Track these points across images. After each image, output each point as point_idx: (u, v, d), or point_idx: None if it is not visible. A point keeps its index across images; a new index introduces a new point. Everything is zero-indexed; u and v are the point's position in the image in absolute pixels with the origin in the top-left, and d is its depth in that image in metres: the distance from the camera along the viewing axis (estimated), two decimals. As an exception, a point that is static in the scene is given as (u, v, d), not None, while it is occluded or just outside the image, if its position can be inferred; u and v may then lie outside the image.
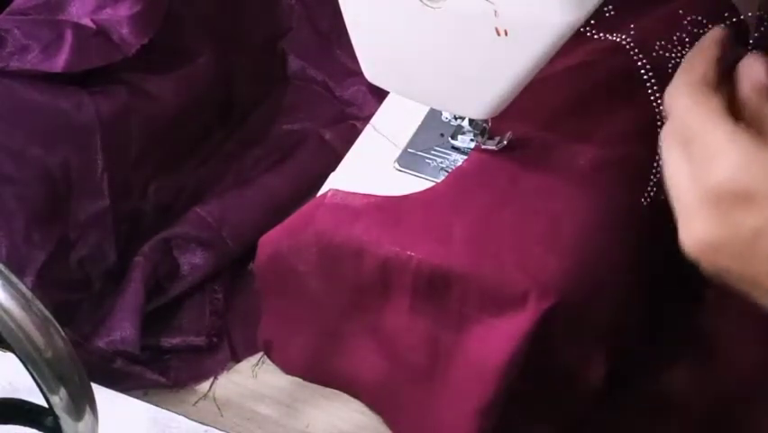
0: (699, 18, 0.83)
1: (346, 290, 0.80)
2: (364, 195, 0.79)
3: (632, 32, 0.82)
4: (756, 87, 0.56)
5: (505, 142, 0.80)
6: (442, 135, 0.86)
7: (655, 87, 0.80)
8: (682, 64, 0.57)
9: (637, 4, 0.83)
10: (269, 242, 0.82)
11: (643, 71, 0.81)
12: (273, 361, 0.89)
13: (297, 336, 0.86)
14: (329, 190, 0.80)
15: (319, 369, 0.87)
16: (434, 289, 0.75)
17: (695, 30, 0.82)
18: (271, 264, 0.83)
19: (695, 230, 0.54)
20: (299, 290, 0.82)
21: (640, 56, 0.81)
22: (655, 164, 0.80)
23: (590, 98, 0.81)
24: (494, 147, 0.80)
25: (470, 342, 0.75)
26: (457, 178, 0.79)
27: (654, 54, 0.81)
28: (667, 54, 0.81)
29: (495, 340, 0.73)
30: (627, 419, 0.82)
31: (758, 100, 0.56)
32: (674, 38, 0.82)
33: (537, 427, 0.81)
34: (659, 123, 0.80)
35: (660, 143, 0.57)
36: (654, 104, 0.80)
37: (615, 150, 0.79)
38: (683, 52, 0.82)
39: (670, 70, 0.81)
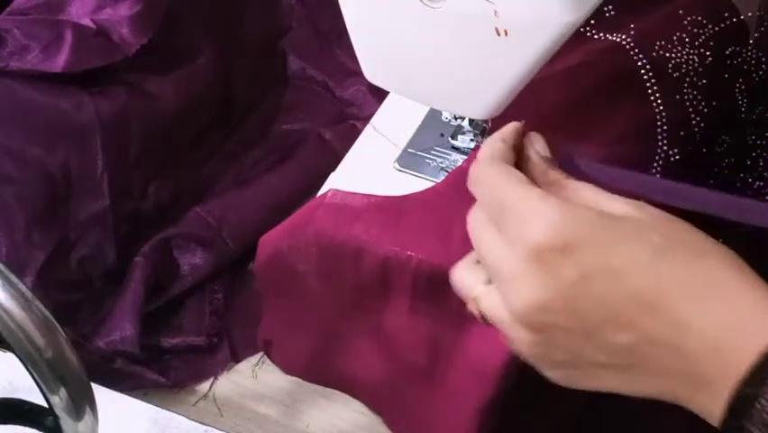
0: (699, 18, 0.83)
1: (346, 290, 0.80)
2: (364, 195, 0.79)
3: (632, 32, 0.82)
4: (542, 157, 0.61)
5: None
6: (442, 135, 0.86)
7: (655, 87, 0.80)
8: (480, 150, 0.61)
9: (637, 4, 0.83)
10: (269, 242, 0.82)
11: (643, 71, 0.81)
12: (273, 361, 0.89)
13: (297, 336, 0.86)
14: (329, 190, 0.80)
15: (319, 369, 0.87)
16: (434, 289, 0.75)
17: (695, 30, 0.82)
18: (271, 264, 0.82)
19: (522, 294, 0.56)
20: (299, 289, 0.82)
21: (640, 56, 0.81)
22: (655, 164, 0.80)
23: (590, 98, 0.81)
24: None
25: (470, 342, 0.75)
26: (457, 177, 0.79)
27: (654, 54, 0.81)
28: (667, 54, 0.81)
29: (495, 340, 0.72)
30: (627, 418, 0.82)
31: (545, 167, 0.61)
32: (674, 38, 0.82)
33: (537, 426, 0.81)
34: (659, 123, 0.80)
35: (470, 232, 0.59)
36: (654, 104, 0.80)
37: (615, 149, 0.79)
38: (683, 52, 0.82)
39: (670, 70, 0.81)
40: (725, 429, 0.54)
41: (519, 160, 0.62)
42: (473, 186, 0.61)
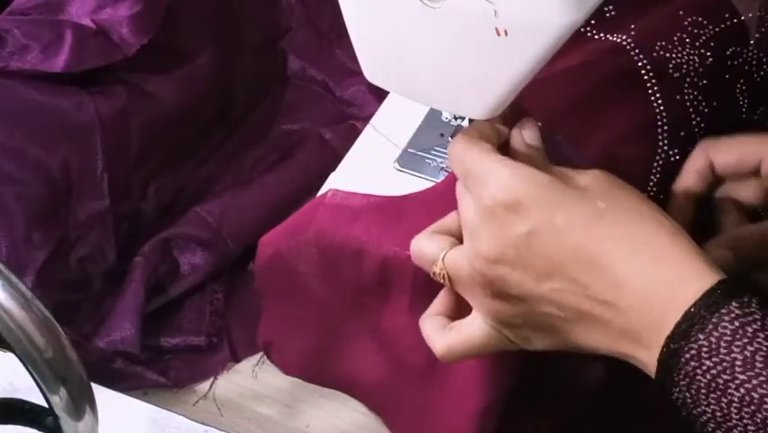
0: (700, 19, 0.83)
1: (346, 291, 0.80)
2: (364, 195, 0.79)
3: (632, 33, 0.82)
4: (528, 145, 0.67)
5: None
6: (442, 135, 0.86)
7: (656, 88, 0.80)
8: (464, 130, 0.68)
9: (638, 4, 0.83)
10: (269, 242, 0.82)
11: (643, 72, 0.81)
12: (273, 361, 0.89)
13: (297, 336, 0.86)
14: (329, 190, 0.80)
15: (319, 370, 0.87)
16: (434, 289, 0.75)
17: (695, 30, 0.82)
18: (271, 265, 0.82)
19: (479, 247, 0.62)
20: (299, 290, 0.82)
21: (640, 56, 0.81)
22: (655, 164, 0.80)
23: (590, 98, 0.81)
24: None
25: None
26: (457, 178, 0.79)
27: (655, 54, 0.81)
28: (667, 55, 0.81)
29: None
30: (628, 418, 0.82)
31: (528, 148, 0.67)
32: (675, 38, 0.82)
33: (538, 427, 0.81)
34: (659, 123, 0.80)
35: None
36: (655, 104, 0.80)
37: (614, 149, 0.79)
38: (684, 53, 0.82)
39: (670, 71, 0.81)
40: (659, 383, 0.58)
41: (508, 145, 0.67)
42: (450, 162, 0.67)
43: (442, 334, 0.68)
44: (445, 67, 0.73)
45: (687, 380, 0.57)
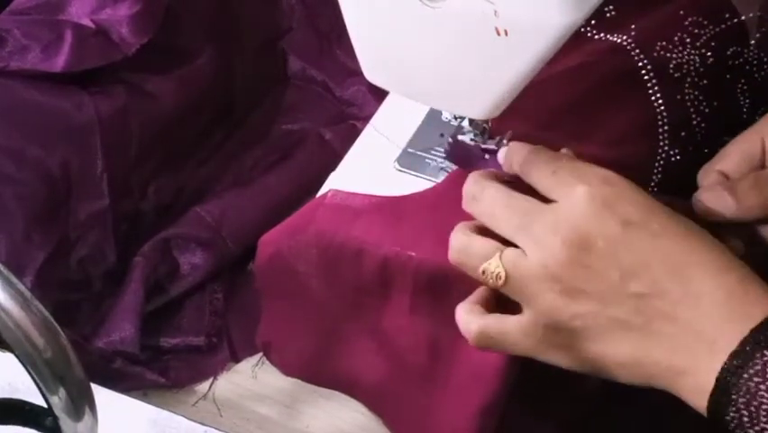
0: (700, 19, 0.82)
1: (346, 291, 0.80)
2: (364, 195, 0.79)
3: (632, 33, 0.82)
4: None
5: (505, 142, 0.80)
6: (442, 135, 0.86)
7: (656, 88, 0.80)
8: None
9: (638, 4, 0.83)
10: (269, 242, 0.82)
11: (644, 72, 0.81)
12: (272, 362, 0.89)
13: (297, 337, 0.86)
14: (329, 191, 0.80)
15: (319, 370, 0.87)
16: (435, 289, 0.75)
17: (696, 30, 0.82)
18: (271, 265, 0.82)
19: (566, 235, 0.63)
20: (299, 290, 0.82)
21: (641, 56, 0.81)
22: (656, 164, 0.79)
23: (590, 98, 0.81)
24: (494, 147, 0.80)
25: (471, 342, 0.75)
26: (458, 178, 0.79)
27: (655, 54, 0.81)
28: (668, 55, 0.81)
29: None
30: (630, 420, 0.82)
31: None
32: (675, 38, 0.82)
33: (538, 427, 0.81)
34: (659, 123, 0.80)
35: None
36: (655, 104, 0.80)
37: (615, 150, 0.79)
38: (684, 53, 0.82)
39: (671, 71, 0.81)
40: (711, 404, 0.59)
41: None
42: (533, 158, 0.68)
43: (479, 316, 0.67)
44: (445, 67, 0.73)
45: (747, 397, 0.57)
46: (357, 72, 0.82)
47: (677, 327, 0.61)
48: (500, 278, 0.65)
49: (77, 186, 0.94)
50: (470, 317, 0.68)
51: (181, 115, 1.02)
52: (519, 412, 0.78)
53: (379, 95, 0.94)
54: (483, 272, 0.66)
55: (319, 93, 1.11)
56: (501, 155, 0.73)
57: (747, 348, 0.58)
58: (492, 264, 0.66)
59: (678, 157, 0.79)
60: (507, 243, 0.66)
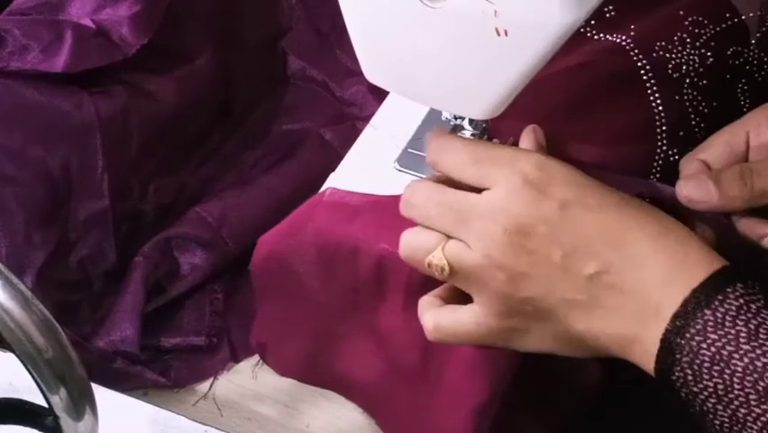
0: (700, 19, 0.83)
1: (342, 289, 0.80)
2: (363, 193, 0.79)
3: (632, 33, 0.82)
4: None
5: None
6: (442, 135, 0.86)
7: (655, 88, 0.80)
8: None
9: (638, 4, 0.83)
10: (267, 241, 0.82)
11: (642, 72, 0.81)
12: (268, 363, 0.89)
13: (292, 336, 0.86)
14: (327, 189, 0.80)
15: (314, 370, 0.87)
16: (429, 288, 0.75)
17: (696, 30, 0.82)
18: (268, 264, 0.82)
19: (505, 224, 0.64)
20: (296, 289, 0.82)
21: (640, 56, 0.81)
22: (655, 164, 0.80)
23: (590, 98, 0.81)
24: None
25: (465, 341, 0.75)
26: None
27: (655, 55, 0.81)
28: (667, 55, 0.81)
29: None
30: (623, 419, 0.82)
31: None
32: (675, 38, 0.82)
33: (535, 428, 0.81)
34: (659, 123, 0.80)
35: None
36: (654, 104, 0.80)
37: (615, 150, 0.79)
38: (684, 53, 0.82)
39: (670, 71, 0.81)
40: (658, 367, 0.60)
41: None
42: (451, 152, 0.69)
43: (434, 310, 0.68)
44: (445, 67, 0.73)
45: (690, 356, 0.59)
46: (357, 72, 0.82)
47: (624, 297, 0.62)
48: (444, 270, 0.66)
49: (78, 186, 0.93)
50: (426, 312, 0.69)
51: (181, 115, 1.02)
52: (515, 413, 0.78)
53: (379, 95, 0.94)
54: (429, 265, 0.67)
55: (319, 93, 1.11)
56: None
57: (688, 308, 0.59)
58: (435, 257, 0.67)
59: (676, 157, 0.79)
60: None
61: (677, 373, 0.59)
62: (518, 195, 0.64)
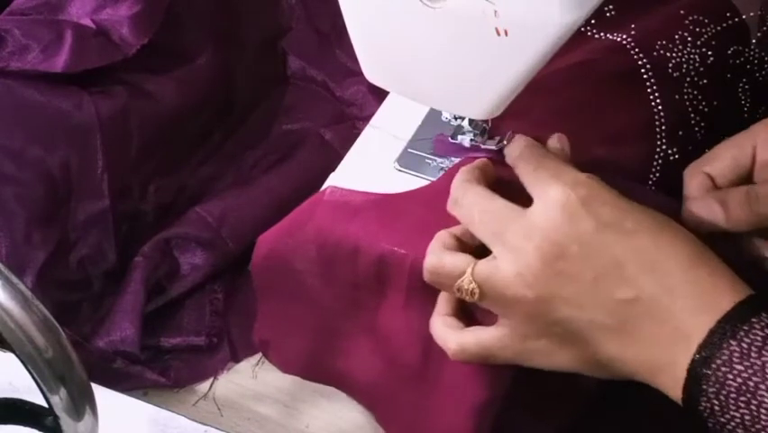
0: (701, 18, 0.83)
1: (343, 288, 0.80)
2: (363, 192, 0.79)
3: (633, 32, 0.82)
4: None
5: (505, 143, 0.80)
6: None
7: (655, 87, 0.80)
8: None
9: (638, 3, 0.83)
10: (266, 240, 0.82)
11: (643, 71, 0.81)
12: (270, 360, 0.89)
13: (294, 334, 0.86)
14: (328, 187, 0.80)
15: (316, 368, 0.87)
16: (429, 287, 0.75)
17: (696, 29, 0.82)
18: (268, 262, 0.82)
19: (539, 243, 0.64)
20: (296, 287, 0.82)
21: (640, 55, 0.81)
22: (655, 164, 0.80)
23: (590, 98, 0.81)
24: (494, 147, 0.80)
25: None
26: (454, 175, 0.79)
27: (655, 54, 0.81)
28: (668, 54, 0.81)
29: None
30: (626, 419, 0.82)
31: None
32: (675, 38, 0.82)
33: (535, 427, 0.81)
34: (658, 122, 0.80)
35: None
36: (654, 103, 0.80)
37: (615, 150, 0.79)
38: (684, 52, 0.82)
39: (670, 70, 0.81)
40: (685, 396, 0.60)
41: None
42: (512, 154, 0.70)
43: (456, 332, 0.68)
44: (445, 67, 0.73)
45: (717, 386, 0.58)
46: (357, 72, 0.82)
47: (654, 324, 0.61)
48: (475, 294, 0.66)
49: (78, 186, 0.94)
50: (446, 334, 0.69)
51: (181, 115, 1.02)
52: (516, 413, 0.78)
53: (379, 95, 0.94)
54: (458, 290, 0.67)
55: (319, 93, 1.11)
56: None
57: (715, 339, 0.59)
58: (465, 281, 0.66)
59: (676, 156, 0.79)
60: (486, 250, 0.67)
61: (704, 404, 0.59)
62: (557, 213, 0.63)
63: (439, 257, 0.68)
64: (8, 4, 0.98)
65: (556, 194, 0.64)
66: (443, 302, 0.71)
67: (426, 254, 0.70)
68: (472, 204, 0.67)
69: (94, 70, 0.95)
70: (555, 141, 0.71)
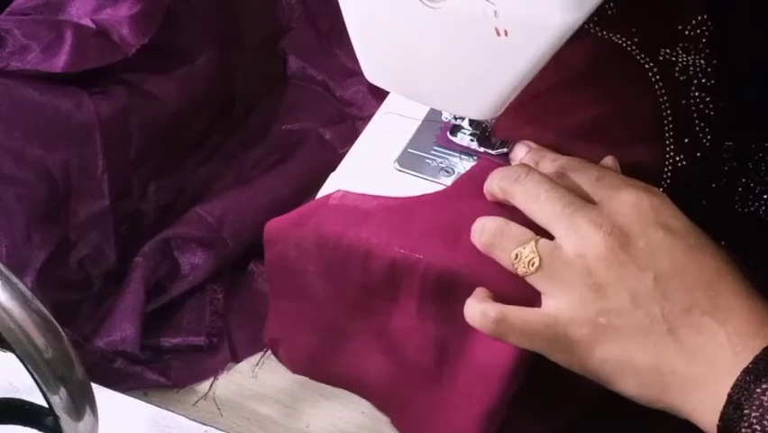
0: (703, 18, 0.82)
1: (354, 292, 0.80)
2: (374, 196, 0.79)
3: (636, 35, 0.82)
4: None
5: (505, 150, 0.80)
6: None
7: (663, 91, 0.80)
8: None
9: (640, 3, 0.83)
10: (275, 234, 0.81)
11: (650, 74, 0.80)
12: (279, 359, 0.89)
13: (305, 335, 0.86)
14: (337, 191, 0.80)
15: (325, 368, 0.87)
16: (442, 292, 0.75)
17: (698, 30, 0.82)
18: (280, 262, 0.82)
19: (607, 230, 0.65)
20: (307, 289, 0.82)
21: (643, 56, 0.81)
22: (665, 168, 0.79)
23: (594, 100, 0.81)
24: (492, 151, 0.81)
25: (477, 345, 0.75)
26: (467, 181, 0.79)
27: (660, 58, 0.81)
28: (673, 58, 0.81)
29: (501, 343, 0.72)
30: (630, 420, 0.82)
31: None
32: (678, 38, 0.82)
33: (538, 427, 0.81)
34: (665, 124, 0.80)
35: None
36: (663, 107, 0.80)
37: (622, 152, 0.79)
38: (689, 55, 0.82)
39: (676, 74, 0.81)
40: (723, 419, 0.60)
41: None
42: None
43: (498, 304, 0.68)
44: (445, 67, 0.73)
45: (760, 411, 0.58)
46: (357, 72, 0.82)
47: (702, 337, 0.62)
48: (533, 264, 0.65)
49: (78, 186, 0.94)
50: (485, 305, 0.68)
51: (181, 115, 1.02)
52: (520, 412, 0.78)
53: (379, 95, 0.94)
54: (516, 256, 0.66)
55: (319, 93, 1.11)
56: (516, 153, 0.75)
57: (759, 365, 0.59)
58: (527, 249, 0.66)
59: (683, 162, 0.79)
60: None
61: (744, 429, 0.59)
62: (630, 210, 0.65)
63: (506, 222, 0.68)
64: (8, 4, 0.98)
65: (629, 196, 0.65)
66: (479, 291, 0.70)
67: (485, 219, 0.69)
68: (539, 183, 0.68)
69: (94, 70, 0.95)
70: (609, 160, 0.73)
